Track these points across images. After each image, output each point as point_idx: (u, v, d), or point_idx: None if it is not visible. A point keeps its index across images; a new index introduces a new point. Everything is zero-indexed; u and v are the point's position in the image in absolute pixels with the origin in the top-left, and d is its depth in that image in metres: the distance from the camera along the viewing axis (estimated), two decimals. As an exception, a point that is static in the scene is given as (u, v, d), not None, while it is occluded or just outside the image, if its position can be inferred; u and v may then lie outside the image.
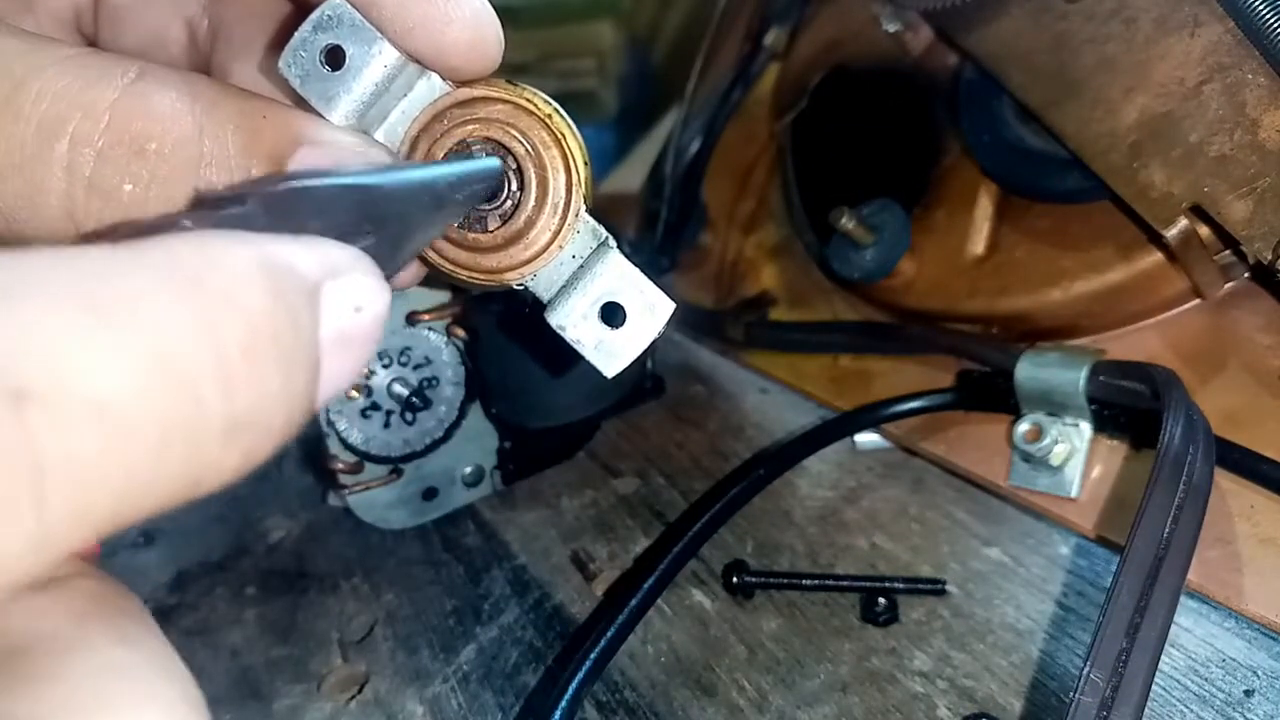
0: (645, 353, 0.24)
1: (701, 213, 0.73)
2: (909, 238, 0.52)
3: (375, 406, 0.50)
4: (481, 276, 0.25)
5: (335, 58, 0.23)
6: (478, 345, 0.52)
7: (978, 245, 0.50)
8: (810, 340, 0.60)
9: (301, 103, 0.23)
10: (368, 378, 0.49)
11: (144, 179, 0.19)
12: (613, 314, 0.24)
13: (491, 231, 0.24)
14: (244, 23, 0.26)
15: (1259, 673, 0.35)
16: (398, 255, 0.21)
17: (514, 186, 0.24)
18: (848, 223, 0.52)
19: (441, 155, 0.24)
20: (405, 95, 0.24)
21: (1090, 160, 0.42)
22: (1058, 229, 0.46)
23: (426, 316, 0.50)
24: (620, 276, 0.24)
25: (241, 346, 0.15)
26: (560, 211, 0.24)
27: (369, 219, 0.19)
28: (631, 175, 0.85)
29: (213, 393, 0.14)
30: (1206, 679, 0.36)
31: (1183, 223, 0.39)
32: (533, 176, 0.24)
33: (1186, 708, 0.35)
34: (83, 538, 0.13)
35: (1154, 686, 0.27)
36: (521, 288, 0.25)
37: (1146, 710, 0.27)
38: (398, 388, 0.50)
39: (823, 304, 0.61)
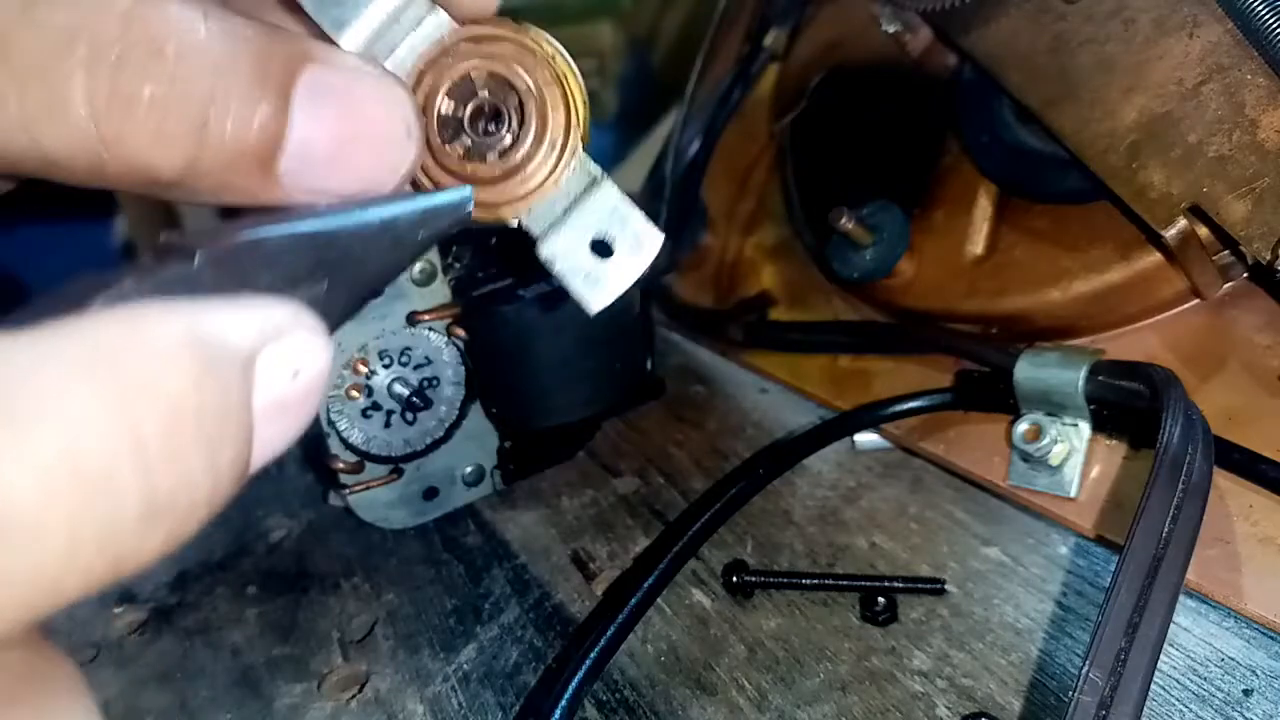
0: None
1: (701, 213, 0.73)
2: (908, 238, 0.52)
3: (376, 406, 0.50)
4: (478, 212, 0.25)
5: None
6: (478, 345, 0.52)
7: (977, 245, 0.50)
8: (809, 340, 0.61)
9: (314, 30, 0.24)
10: (368, 378, 0.49)
11: (164, 79, 0.19)
12: (602, 247, 0.25)
13: (489, 164, 0.25)
14: None
15: (1258, 672, 0.36)
16: (352, 299, 0.20)
17: (514, 123, 0.25)
18: (847, 223, 0.52)
19: (445, 89, 0.24)
20: (414, 29, 0.24)
21: (1089, 161, 0.42)
22: (1057, 229, 0.46)
23: (427, 317, 0.50)
24: (611, 211, 0.25)
25: (160, 432, 0.14)
26: (558, 149, 0.25)
27: (322, 264, 0.19)
28: (631, 175, 0.85)
29: (129, 483, 0.14)
30: (1205, 678, 0.36)
31: (1181, 223, 0.39)
32: (533, 114, 0.25)
33: (1185, 707, 0.35)
34: None
35: (1153, 686, 0.27)
36: (516, 223, 0.26)
37: (1145, 709, 0.27)
38: (398, 388, 0.50)
39: (822, 304, 0.61)
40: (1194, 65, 0.38)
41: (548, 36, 0.25)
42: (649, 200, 0.75)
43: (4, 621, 0.13)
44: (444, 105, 0.24)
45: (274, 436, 0.17)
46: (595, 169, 0.25)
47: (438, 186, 0.25)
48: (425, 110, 0.24)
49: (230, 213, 0.21)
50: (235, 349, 0.16)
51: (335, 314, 0.19)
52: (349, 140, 0.21)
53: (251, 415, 0.16)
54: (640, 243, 0.25)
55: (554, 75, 0.25)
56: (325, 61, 0.21)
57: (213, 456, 0.15)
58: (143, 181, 0.20)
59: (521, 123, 0.25)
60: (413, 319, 0.50)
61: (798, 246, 0.64)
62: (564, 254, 0.25)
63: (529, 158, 0.25)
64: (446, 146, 0.24)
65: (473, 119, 0.25)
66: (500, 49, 0.25)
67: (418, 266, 0.50)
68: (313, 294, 0.19)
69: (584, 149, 0.25)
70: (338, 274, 0.19)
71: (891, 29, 0.53)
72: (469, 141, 0.25)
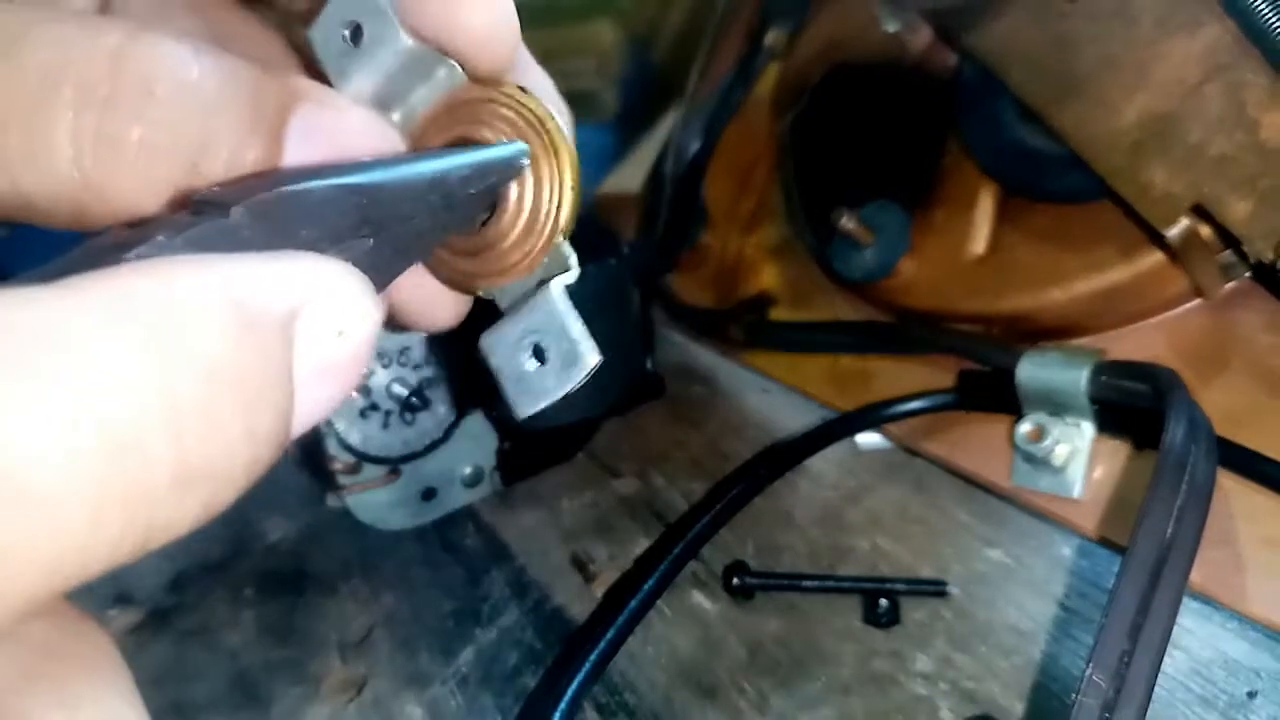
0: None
1: (702, 213, 0.73)
2: (910, 238, 0.52)
3: (374, 406, 0.50)
4: (456, 277, 0.24)
5: (357, 34, 0.23)
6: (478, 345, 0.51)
7: (978, 245, 0.50)
8: (811, 340, 0.60)
9: (313, 71, 0.23)
10: (367, 378, 0.49)
11: (154, 121, 0.18)
12: (540, 352, 0.23)
13: (468, 236, 0.24)
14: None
15: (1262, 674, 0.35)
16: (401, 259, 0.19)
17: (500, 200, 0.24)
18: (848, 223, 0.52)
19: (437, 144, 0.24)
20: (423, 84, 0.24)
21: (1091, 160, 0.41)
22: (1058, 229, 0.46)
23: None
24: (552, 316, 0.23)
25: (195, 394, 0.13)
26: (539, 233, 0.24)
27: (368, 221, 0.18)
28: (631, 175, 0.84)
29: (162, 449, 0.13)
30: (1209, 680, 0.36)
31: (1184, 222, 0.39)
32: (529, 191, 0.24)
33: (1189, 709, 0.35)
34: (10, 611, 0.12)
35: (1157, 688, 0.27)
36: (489, 298, 0.25)
37: (1149, 712, 0.27)
38: (397, 388, 0.50)
39: (823, 304, 0.61)
40: (1195, 64, 0.38)
41: (552, 112, 0.24)
42: (649, 200, 0.74)
43: (21, 593, 0.12)
44: None
45: (317, 401, 0.16)
46: (567, 259, 0.24)
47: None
48: None
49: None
50: (276, 307, 0.15)
51: (382, 274, 0.18)
52: None
53: (292, 379, 0.15)
54: (576, 362, 0.23)
55: (549, 154, 0.23)
56: (318, 100, 0.20)
57: (251, 422, 0.14)
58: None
59: (504, 199, 0.24)
60: (411, 319, 0.50)
61: (799, 246, 0.64)
62: (502, 351, 0.23)
63: (505, 235, 0.24)
64: None
65: None
66: (501, 114, 0.23)
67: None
68: (358, 252, 0.18)
69: (564, 239, 0.24)
70: (384, 232, 0.18)
71: (892, 28, 0.53)
72: None
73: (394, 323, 0.25)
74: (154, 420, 0.13)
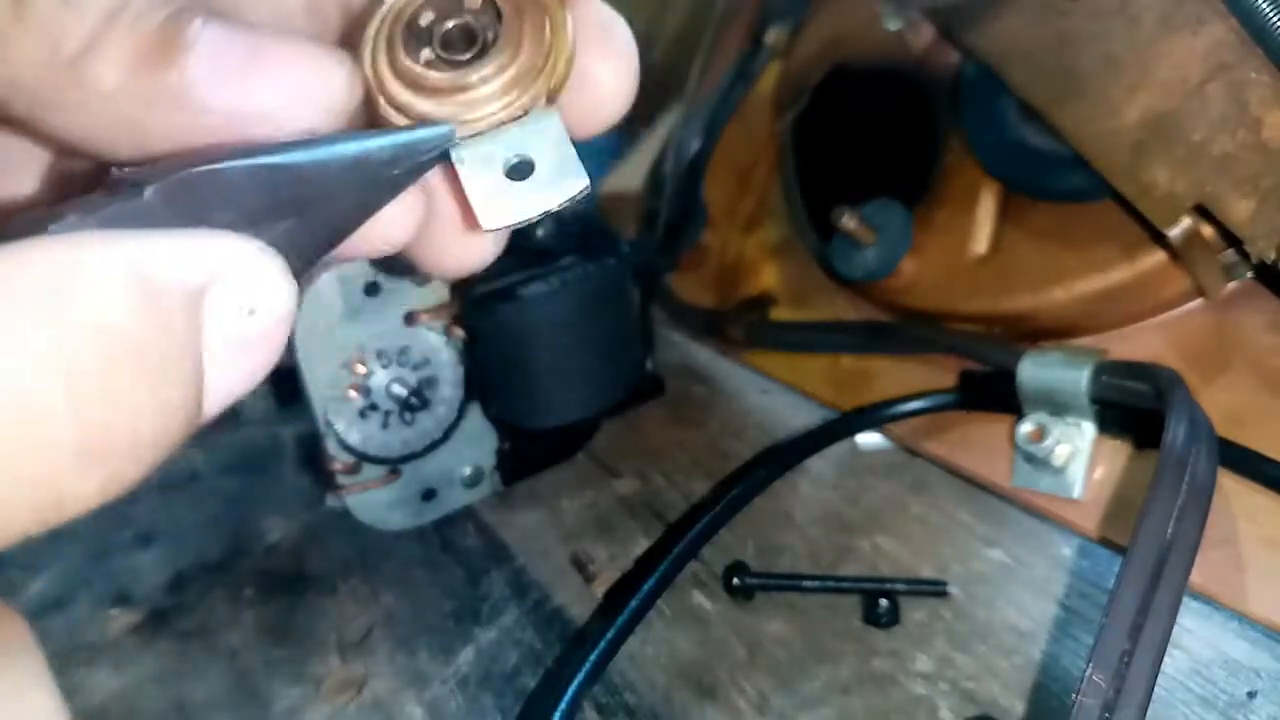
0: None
1: (702, 212, 0.73)
2: (911, 237, 0.52)
3: (373, 407, 0.50)
4: (407, 119, 0.22)
5: None
6: (476, 345, 0.51)
7: (980, 244, 0.50)
8: (811, 340, 0.60)
9: None
10: (366, 378, 0.49)
11: None
12: (520, 170, 0.22)
13: (441, 73, 0.22)
14: None
15: (1262, 674, 0.35)
16: (323, 239, 0.19)
17: (488, 36, 0.22)
18: (849, 222, 0.51)
19: None
20: None
21: (1093, 159, 0.41)
22: (1060, 228, 0.46)
23: (425, 316, 0.50)
24: (547, 135, 0.22)
25: (97, 367, 0.13)
26: (516, 86, 0.22)
27: (287, 202, 0.18)
28: (631, 175, 0.84)
29: (63, 420, 0.13)
30: (1210, 680, 0.36)
31: (1186, 222, 0.39)
32: (503, 40, 0.22)
33: (1189, 709, 0.35)
34: None
35: (1157, 688, 0.27)
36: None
37: (1149, 712, 0.27)
38: (396, 388, 0.50)
39: (824, 304, 0.61)
40: (1198, 63, 0.38)
41: None
42: (649, 200, 0.74)
43: None
44: (424, 16, 0.22)
45: (234, 377, 0.16)
46: (556, 123, 0.22)
47: (382, 91, 0.22)
48: (401, 12, 0.22)
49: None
50: (181, 283, 0.15)
51: (304, 255, 0.18)
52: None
53: (200, 353, 0.15)
54: (562, 178, 0.21)
55: (549, 11, 0.22)
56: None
57: (156, 395, 0.14)
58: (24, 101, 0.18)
59: (486, 47, 0.22)
60: (411, 318, 0.50)
61: (799, 245, 0.64)
62: (473, 163, 0.21)
63: (482, 80, 0.22)
64: (405, 55, 0.22)
65: (445, 35, 0.22)
66: None
67: (416, 266, 0.49)
68: (277, 233, 0.18)
69: (548, 103, 0.22)
70: (305, 212, 0.18)
71: (894, 26, 0.52)
72: (430, 56, 0.22)
73: (419, 270, 0.24)
74: (51, 388, 0.13)
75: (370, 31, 0.22)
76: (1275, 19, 0.35)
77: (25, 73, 0.17)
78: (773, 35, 0.68)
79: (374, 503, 0.51)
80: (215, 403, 0.16)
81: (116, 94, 0.18)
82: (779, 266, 0.67)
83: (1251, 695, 0.35)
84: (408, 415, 0.50)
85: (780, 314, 0.65)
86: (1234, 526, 0.38)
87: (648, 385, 0.62)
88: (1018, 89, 0.44)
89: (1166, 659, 0.28)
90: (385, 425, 0.50)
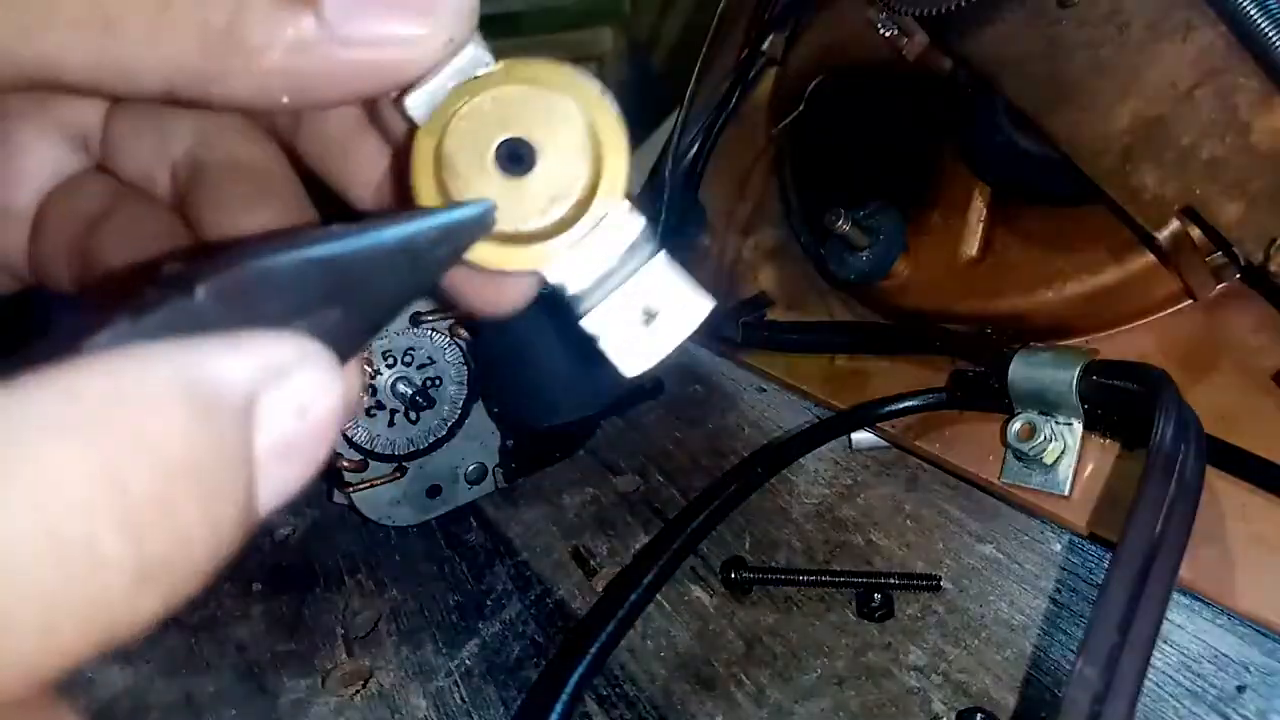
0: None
1: (700, 215, 0.74)
2: (904, 240, 0.53)
3: (380, 405, 0.50)
4: (511, 268, 0.22)
5: None
6: (480, 345, 0.52)
7: (972, 247, 0.50)
8: (807, 340, 0.61)
9: None
10: (373, 377, 0.50)
11: None
12: (650, 314, 0.23)
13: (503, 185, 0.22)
14: (227, 175, 0.24)
15: (1251, 668, 0.36)
16: (369, 324, 0.19)
17: (529, 161, 0.22)
18: (844, 225, 0.52)
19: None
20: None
21: (1083, 163, 0.42)
22: (1051, 231, 0.47)
23: (431, 317, 0.51)
24: (662, 278, 0.22)
25: (149, 491, 0.13)
26: (570, 200, 0.22)
27: (336, 291, 0.18)
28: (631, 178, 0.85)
29: (115, 548, 0.12)
30: (1199, 674, 0.36)
31: (1174, 225, 0.39)
32: (543, 151, 0.22)
33: (1179, 703, 0.35)
34: None
35: (1146, 682, 0.27)
36: (558, 286, 0.23)
37: (1139, 705, 0.27)
38: (402, 387, 0.50)
39: (819, 305, 0.62)
40: (1187, 69, 0.38)
41: (588, 76, 0.22)
42: (648, 203, 0.75)
43: None
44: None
45: (283, 479, 0.16)
46: (636, 228, 0.22)
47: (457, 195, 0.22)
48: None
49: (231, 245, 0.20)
50: (232, 392, 0.15)
51: (351, 342, 0.18)
52: None
53: (252, 465, 0.15)
54: (688, 312, 0.22)
55: (573, 114, 0.22)
56: None
57: (209, 511, 0.14)
58: (176, 71, 0.19)
59: (535, 159, 0.22)
60: (416, 319, 0.51)
61: (795, 248, 0.64)
62: (610, 321, 0.22)
63: (537, 195, 0.22)
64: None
65: (496, 153, 0.22)
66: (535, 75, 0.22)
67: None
68: (326, 323, 0.17)
69: (617, 200, 0.22)
70: (353, 299, 0.18)
71: (888, 33, 0.53)
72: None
73: (458, 308, 0.25)
74: (104, 519, 0.12)
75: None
76: (1264, 25, 0.35)
77: (188, 55, 0.19)
78: (770, 42, 0.68)
79: (380, 499, 0.52)
80: (266, 507, 0.16)
81: (268, 48, 0.19)
82: (775, 268, 0.67)
83: (1240, 689, 0.35)
84: (413, 414, 0.51)
85: (777, 315, 0.65)
86: (1222, 523, 0.38)
87: (648, 385, 0.63)
88: (1009, 95, 0.45)
89: (1156, 653, 0.29)
90: (391, 423, 0.51)
